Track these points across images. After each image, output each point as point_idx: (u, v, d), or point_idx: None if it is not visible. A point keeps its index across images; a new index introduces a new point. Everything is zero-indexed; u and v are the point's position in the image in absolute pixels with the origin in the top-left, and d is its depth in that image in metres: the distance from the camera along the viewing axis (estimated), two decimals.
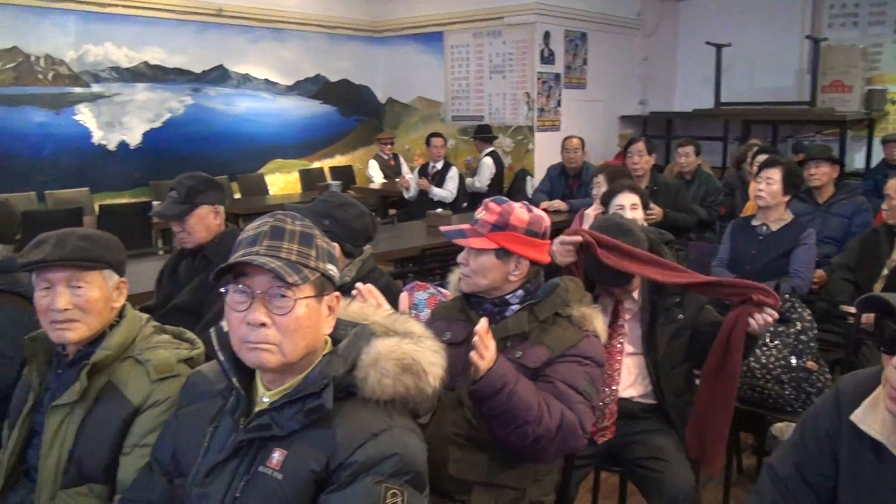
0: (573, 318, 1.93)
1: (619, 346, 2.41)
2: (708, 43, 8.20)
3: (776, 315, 2.18)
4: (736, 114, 8.19)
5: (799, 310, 2.95)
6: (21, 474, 1.78)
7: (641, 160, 4.81)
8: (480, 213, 1.98)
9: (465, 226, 2.00)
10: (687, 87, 9.33)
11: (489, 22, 8.32)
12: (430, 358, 1.40)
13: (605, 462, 2.46)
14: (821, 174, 4.29)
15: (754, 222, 3.76)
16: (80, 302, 1.69)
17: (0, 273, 2.27)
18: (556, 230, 2.22)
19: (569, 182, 6.09)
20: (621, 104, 9.10)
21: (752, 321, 2.18)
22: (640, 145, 4.84)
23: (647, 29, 9.13)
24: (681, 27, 9.44)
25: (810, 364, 2.82)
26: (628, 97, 9.19)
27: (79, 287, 1.70)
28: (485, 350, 1.69)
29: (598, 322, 1.96)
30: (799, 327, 2.90)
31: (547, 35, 8.07)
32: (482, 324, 1.70)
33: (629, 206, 3.35)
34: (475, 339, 1.68)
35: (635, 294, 2.45)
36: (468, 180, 7.26)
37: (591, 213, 3.67)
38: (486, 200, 2.01)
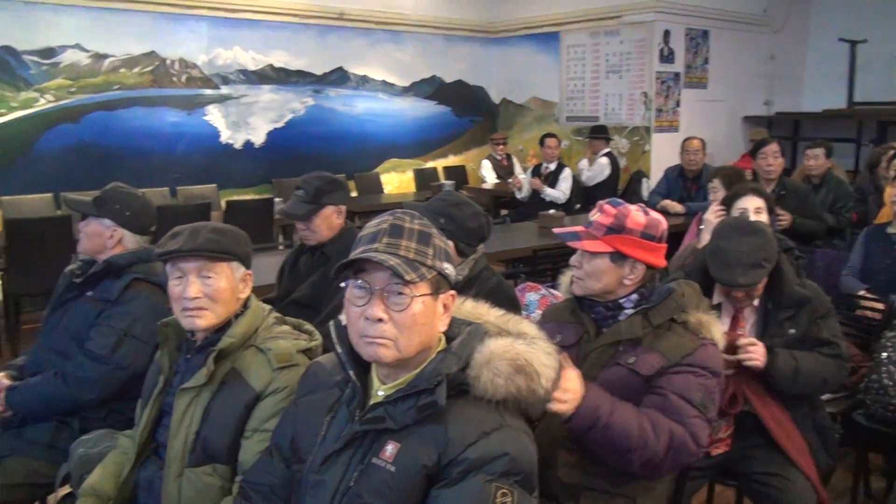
0: (689, 325, 1.86)
1: None
2: (841, 39, 7.75)
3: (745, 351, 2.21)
4: (871, 114, 7.70)
5: None
6: (152, 452, 1.89)
7: (776, 162, 4.63)
8: (595, 216, 1.94)
9: (579, 228, 1.97)
10: (817, 86, 8.84)
11: (607, 21, 8.18)
12: (543, 360, 1.40)
13: (721, 475, 2.37)
14: None
15: (890, 230, 3.54)
16: (209, 291, 1.78)
17: (138, 262, 2.43)
18: (672, 233, 2.16)
19: (687, 184, 5.90)
20: (745, 104, 8.74)
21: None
22: (775, 146, 4.65)
23: (775, 25, 8.72)
24: (811, 23, 8.95)
25: None
26: (752, 97, 8.81)
27: (208, 277, 1.79)
28: (562, 394, 1.62)
29: (716, 330, 1.88)
30: None
31: (667, 33, 7.86)
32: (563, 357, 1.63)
33: (753, 209, 3.18)
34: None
35: (756, 301, 2.35)
36: (579, 165, 7.20)
37: (712, 217, 3.55)
38: (601, 202, 1.96)
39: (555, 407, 1.61)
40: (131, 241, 2.50)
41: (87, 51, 6.62)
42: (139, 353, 2.30)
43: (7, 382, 2.34)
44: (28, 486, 2.24)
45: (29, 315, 5.40)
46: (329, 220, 2.78)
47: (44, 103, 6.42)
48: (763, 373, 2.22)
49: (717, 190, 3.93)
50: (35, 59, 6.34)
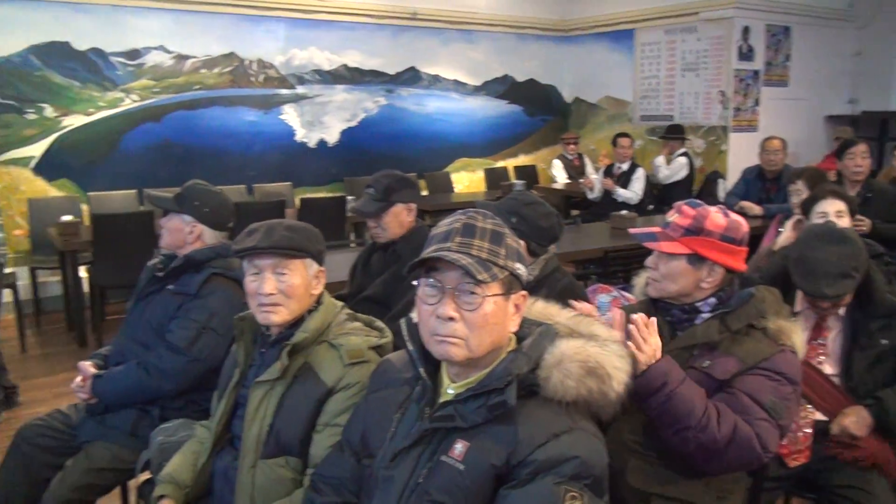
0: (768, 331, 1.81)
1: (817, 365, 2.23)
2: None
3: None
4: None
5: None
6: (227, 442, 1.94)
7: (864, 163, 4.47)
8: (673, 216, 1.91)
9: (656, 228, 1.94)
10: None
11: (683, 18, 8.00)
12: (616, 362, 1.38)
13: (798, 487, 2.29)
14: None
15: None
16: (283, 287, 1.82)
17: (216, 257, 2.50)
18: (749, 236, 2.09)
19: (766, 186, 5.72)
20: (828, 103, 8.42)
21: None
22: (864, 146, 4.49)
23: (861, 21, 8.37)
24: None
25: None
26: (836, 95, 8.48)
27: (283, 274, 1.82)
28: (642, 342, 1.67)
29: (797, 337, 1.82)
30: None
31: (746, 30, 7.63)
32: (640, 315, 1.67)
33: (833, 213, 3.04)
34: (630, 326, 1.64)
35: (841, 310, 2.25)
36: (655, 162, 7.07)
37: (790, 226, 3.43)
38: (679, 203, 1.93)
39: (633, 347, 1.65)
40: (210, 236, 2.56)
41: (170, 52, 6.85)
42: (216, 346, 2.36)
43: (93, 371, 2.44)
44: (111, 471, 2.33)
45: (113, 306, 5.64)
46: (399, 218, 2.80)
47: (129, 103, 6.67)
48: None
49: (800, 192, 3.80)
50: (121, 60, 6.59)
